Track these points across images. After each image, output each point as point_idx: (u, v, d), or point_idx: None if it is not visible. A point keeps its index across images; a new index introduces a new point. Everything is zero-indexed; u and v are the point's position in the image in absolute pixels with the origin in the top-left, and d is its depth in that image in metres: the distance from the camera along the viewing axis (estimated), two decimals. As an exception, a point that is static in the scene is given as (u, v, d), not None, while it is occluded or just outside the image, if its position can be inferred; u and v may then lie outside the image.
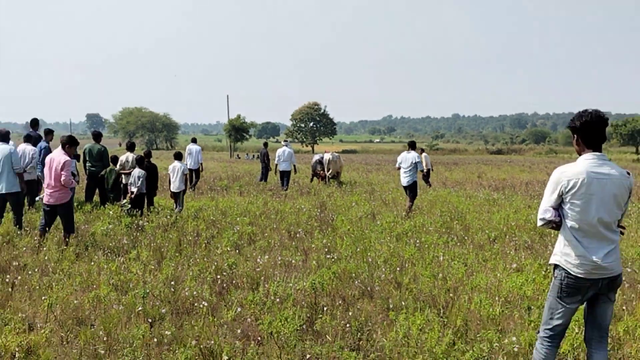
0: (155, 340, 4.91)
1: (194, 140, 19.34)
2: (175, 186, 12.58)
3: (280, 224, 10.97)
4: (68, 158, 8.53)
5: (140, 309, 5.65)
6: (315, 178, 21.47)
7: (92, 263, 7.50)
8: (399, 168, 13.19)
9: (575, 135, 3.79)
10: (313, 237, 9.64)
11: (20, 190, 9.64)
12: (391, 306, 5.93)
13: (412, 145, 13.40)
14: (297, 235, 9.89)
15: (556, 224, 3.75)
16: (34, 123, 13.33)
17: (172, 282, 6.61)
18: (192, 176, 17.72)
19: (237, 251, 8.54)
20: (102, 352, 4.69)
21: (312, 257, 8.08)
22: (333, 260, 7.88)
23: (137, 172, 11.56)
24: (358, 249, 8.53)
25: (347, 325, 5.30)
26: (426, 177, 20.36)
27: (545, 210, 3.76)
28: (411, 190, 12.91)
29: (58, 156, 8.54)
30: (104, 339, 4.91)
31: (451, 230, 10.42)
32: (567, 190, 3.67)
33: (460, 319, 5.46)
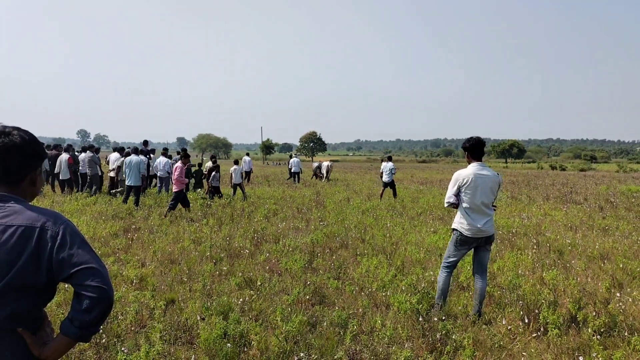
0: (217, 273, 4.91)
1: (247, 154, 19.39)
2: (235, 180, 12.48)
3: (292, 204, 10.95)
4: (180, 165, 8.73)
5: (208, 254, 5.66)
6: (314, 177, 21.37)
7: (180, 226, 7.50)
8: (382, 172, 12.41)
9: (466, 152, 3.80)
10: (312, 212, 9.62)
11: (140, 184, 9.61)
12: (358, 253, 5.96)
13: (389, 158, 12.85)
14: (303, 210, 9.88)
15: (456, 205, 3.76)
16: (145, 143, 13.24)
17: (228, 238, 6.61)
18: (245, 175, 17.71)
19: (267, 220, 8.54)
20: (185, 279, 4.70)
21: (311, 224, 8.08)
22: (324, 225, 7.89)
23: (214, 174, 11.61)
24: (339, 219, 8.53)
25: (332, 264, 5.32)
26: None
27: (449, 196, 3.77)
28: (391, 186, 12.41)
29: (177, 163, 8.82)
30: (187, 272, 4.93)
31: (394, 208, 10.43)
32: (462, 184, 3.69)
33: (399, 260, 5.49)
